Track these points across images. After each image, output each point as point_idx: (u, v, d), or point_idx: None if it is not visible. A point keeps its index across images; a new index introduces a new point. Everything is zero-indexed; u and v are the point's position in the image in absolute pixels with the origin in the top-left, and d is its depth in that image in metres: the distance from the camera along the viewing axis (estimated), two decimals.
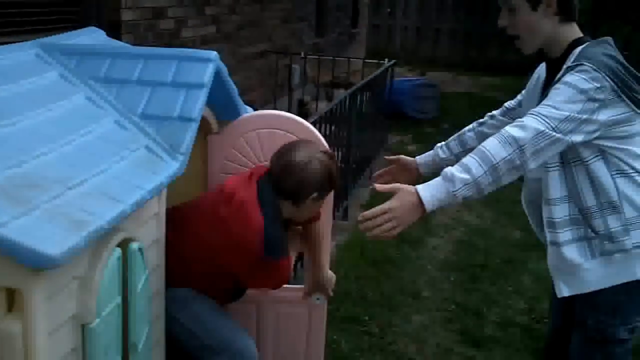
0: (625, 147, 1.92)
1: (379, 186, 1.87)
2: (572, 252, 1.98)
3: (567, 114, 1.80)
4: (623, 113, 1.87)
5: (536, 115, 1.81)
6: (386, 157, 2.58)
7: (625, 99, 1.84)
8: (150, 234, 1.77)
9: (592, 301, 2.03)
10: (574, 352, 2.15)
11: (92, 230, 1.30)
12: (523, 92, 2.32)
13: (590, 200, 1.95)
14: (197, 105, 1.84)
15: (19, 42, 1.93)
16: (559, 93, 1.84)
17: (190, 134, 1.80)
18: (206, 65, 1.93)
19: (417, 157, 2.46)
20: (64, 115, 1.68)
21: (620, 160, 1.92)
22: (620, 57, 1.90)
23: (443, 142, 2.44)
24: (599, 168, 1.92)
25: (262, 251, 2.02)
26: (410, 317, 3.58)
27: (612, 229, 1.94)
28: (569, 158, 1.94)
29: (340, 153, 4.65)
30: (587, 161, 1.92)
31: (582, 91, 1.81)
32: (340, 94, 5.25)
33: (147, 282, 1.68)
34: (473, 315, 3.64)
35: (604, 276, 1.98)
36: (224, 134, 2.35)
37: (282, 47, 7.14)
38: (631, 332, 2.05)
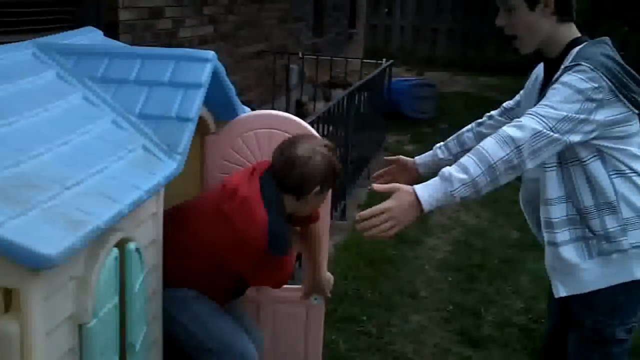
0: (622, 147, 1.92)
1: (377, 186, 1.87)
2: (569, 252, 1.99)
3: (565, 114, 1.80)
4: (621, 113, 1.87)
5: (534, 115, 1.81)
6: (385, 157, 2.58)
7: (623, 99, 1.85)
8: (147, 234, 1.77)
9: (590, 301, 2.03)
10: (571, 352, 2.15)
11: (89, 230, 1.30)
12: (521, 92, 2.32)
13: (587, 200, 1.95)
14: (195, 105, 1.84)
15: (15, 42, 1.93)
16: (556, 93, 1.84)
17: (187, 134, 1.80)
18: (204, 65, 1.93)
19: (416, 158, 2.46)
20: (61, 115, 1.67)
21: (618, 160, 1.92)
22: (618, 57, 1.90)
23: (442, 143, 2.45)
24: (597, 168, 1.93)
25: (266, 246, 2.00)
26: (408, 317, 3.58)
27: (610, 229, 1.94)
28: (567, 158, 1.94)
29: (338, 153, 4.64)
30: (584, 161, 1.93)
31: (580, 91, 1.81)
32: (338, 94, 5.25)
33: (144, 282, 1.68)
34: (471, 315, 3.64)
35: (602, 276, 1.98)
36: (222, 134, 2.35)
37: (280, 47, 7.14)
38: (629, 332, 2.06)
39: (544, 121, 1.79)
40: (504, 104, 2.42)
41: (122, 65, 1.92)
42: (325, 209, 2.38)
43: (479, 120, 2.44)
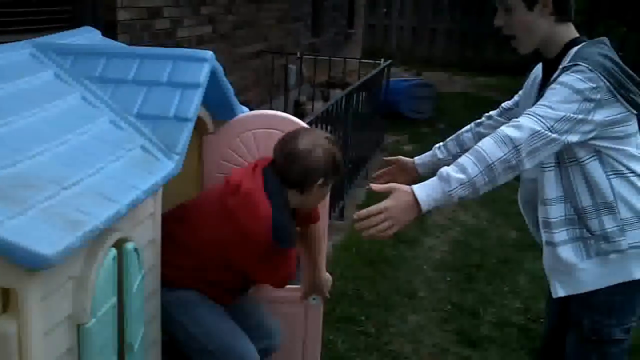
0: (621, 147, 1.92)
1: (375, 186, 1.87)
2: (567, 252, 1.99)
3: (563, 114, 1.80)
4: (619, 113, 1.87)
5: (532, 115, 1.81)
6: (385, 158, 2.58)
7: (621, 99, 1.85)
8: (145, 234, 1.77)
9: (588, 301, 2.03)
10: (569, 352, 2.15)
11: (87, 230, 1.30)
12: (520, 92, 2.32)
13: (586, 200, 1.95)
14: (193, 105, 1.84)
15: (13, 41, 1.92)
16: (554, 93, 1.84)
17: (186, 133, 1.80)
18: (202, 65, 1.93)
19: (416, 158, 2.46)
20: (59, 115, 1.67)
21: (616, 160, 1.92)
22: (616, 58, 1.90)
23: (441, 143, 2.45)
24: (595, 168, 1.93)
25: (271, 240, 1.99)
26: (406, 317, 3.58)
27: (608, 230, 1.94)
28: (565, 158, 1.94)
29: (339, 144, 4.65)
30: (583, 161, 1.93)
31: (578, 91, 1.81)
32: (337, 94, 5.25)
33: (142, 282, 1.68)
34: (469, 315, 3.64)
35: (600, 276, 1.98)
36: (220, 134, 2.34)
37: (278, 47, 7.14)
38: (627, 332, 2.06)
39: (542, 121, 1.79)
40: (503, 104, 2.42)
41: (120, 65, 1.92)
42: (323, 209, 2.38)
43: (478, 121, 2.44)
